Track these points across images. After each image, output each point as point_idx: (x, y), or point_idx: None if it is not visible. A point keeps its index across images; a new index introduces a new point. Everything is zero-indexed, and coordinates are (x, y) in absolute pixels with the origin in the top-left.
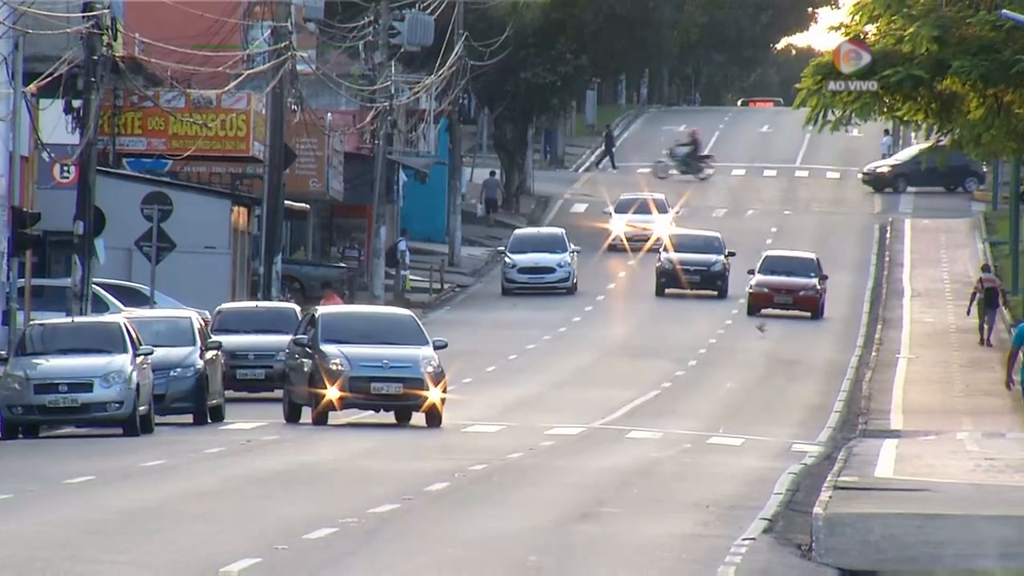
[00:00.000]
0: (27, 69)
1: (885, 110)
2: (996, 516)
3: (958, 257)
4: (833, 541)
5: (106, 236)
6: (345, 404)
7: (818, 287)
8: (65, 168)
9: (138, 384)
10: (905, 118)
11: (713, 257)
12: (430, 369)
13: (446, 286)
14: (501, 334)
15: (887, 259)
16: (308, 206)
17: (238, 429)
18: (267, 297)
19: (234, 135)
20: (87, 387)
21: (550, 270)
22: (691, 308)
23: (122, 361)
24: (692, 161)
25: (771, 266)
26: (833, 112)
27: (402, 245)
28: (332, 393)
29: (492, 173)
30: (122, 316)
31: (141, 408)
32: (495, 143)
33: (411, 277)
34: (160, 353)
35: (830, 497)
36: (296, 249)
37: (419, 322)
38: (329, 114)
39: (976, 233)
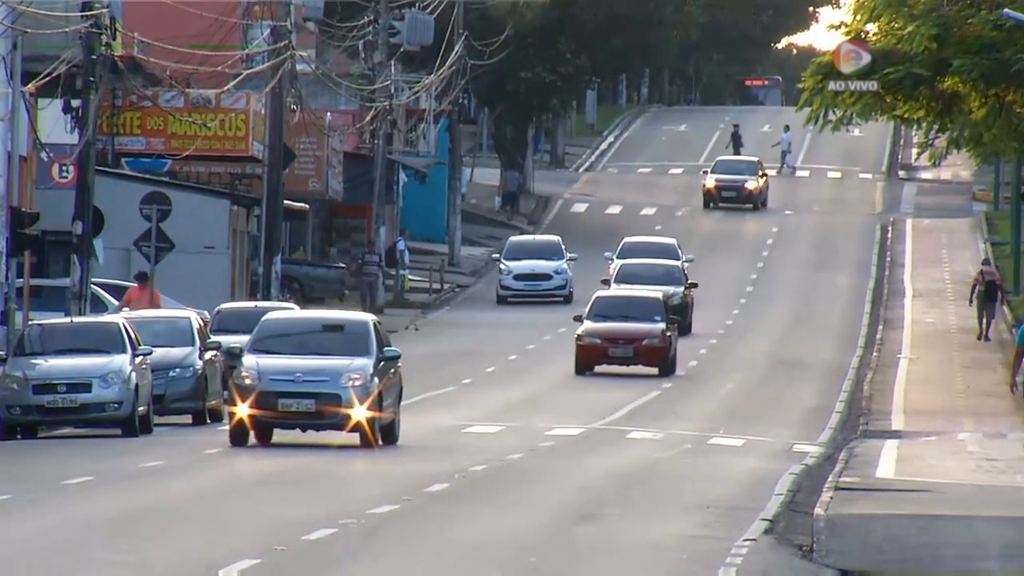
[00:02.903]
0: (26, 68)
1: (886, 109)
2: (997, 517)
3: (959, 257)
4: (834, 542)
5: (105, 236)
6: (256, 423)
7: (666, 334)
8: (64, 168)
9: (137, 384)
10: (906, 115)
11: (671, 289)
12: (355, 383)
13: (446, 286)
14: (501, 334)
15: (888, 259)
16: (307, 206)
17: None
18: (266, 297)
19: (233, 135)
20: (86, 387)
21: (547, 277)
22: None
23: (121, 361)
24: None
25: (604, 309)
26: (834, 112)
27: (401, 245)
28: (241, 410)
29: (509, 168)
30: (121, 316)
31: (140, 408)
32: (495, 143)
33: (410, 277)
34: (159, 353)
35: (831, 498)
36: (295, 249)
37: (375, 328)
38: (328, 114)
39: (977, 233)
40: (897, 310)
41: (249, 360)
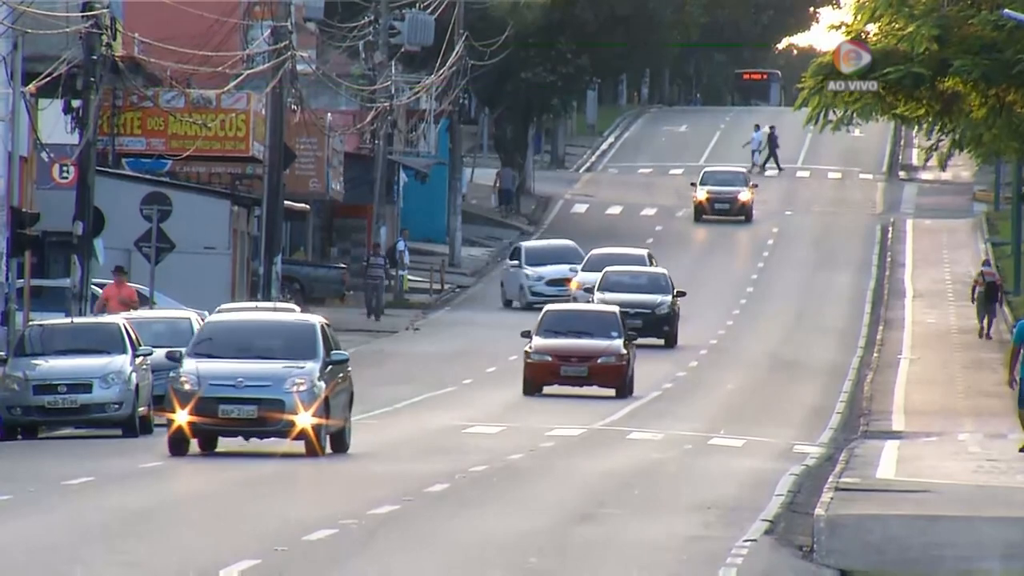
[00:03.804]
0: (26, 69)
1: (886, 109)
2: (998, 517)
3: (960, 258)
4: (834, 542)
5: (105, 236)
6: (196, 430)
7: (623, 351)
8: (64, 168)
9: (137, 385)
10: (906, 114)
11: (659, 298)
12: (299, 388)
13: (446, 286)
14: (501, 334)
15: (889, 259)
16: (308, 206)
17: None
18: (267, 298)
19: (234, 135)
20: (86, 388)
21: None
22: (691, 308)
23: (121, 362)
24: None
25: (555, 324)
26: (834, 112)
27: (400, 245)
28: (180, 417)
29: (505, 167)
30: (121, 317)
31: (140, 409)
32: (495, 143)
33: (410, 277)
34: (160, 354)
35: (831, 498)
36: (296, 249)
37: (321, 330)
38: (329, 114)
39: (978, 233)
40: (898, 310)
41: (189, 364)
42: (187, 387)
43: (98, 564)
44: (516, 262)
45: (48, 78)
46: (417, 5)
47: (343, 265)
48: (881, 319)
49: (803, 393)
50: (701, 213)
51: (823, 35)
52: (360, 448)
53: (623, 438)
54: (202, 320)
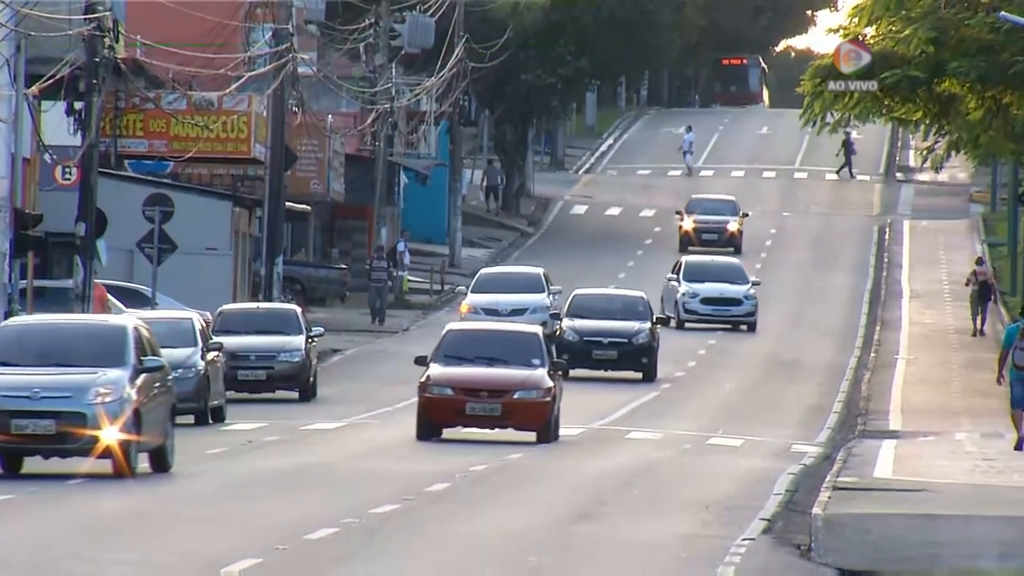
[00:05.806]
0: (29, 71)
1: (884, 112)
2: (994, 516)
3: (957, 258)
4: (832, 541)
5: (108, 237)
6: None
7: (549, 383)
8: (67, 170)
9: None
10: (904, 117)
11: (636, 325)
12: (104, 400)
13: (446, 287)
14: None
15: (886, 260)
16: (309, 207)
17: (239, 430)
18: (268, 298)
19: (235, 137)
20: None
21: (737, 302)
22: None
23: None
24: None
25: (458, 347)
26: (832, 114)
27: (400, 246)
28: None
29: (490, 162)
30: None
31: None
32: (495, 145)
33: (410, 278)
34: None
35: (829, 497)
36: (297, 251)
37: (134, 334)
38: (330, 116)
39: (975, 234)
40: (895, 311)
41: None
42: None
43: (99, 563)
44: (675, 276)
45: (51, 80)
46: (417, 7)
47: (344, 266)
48: (878, 319)
49: (801, 393)
50: (688, 243)
51: (820, 38)
52: (360, 447)
53: (622, 438)
54: (204, 321)
